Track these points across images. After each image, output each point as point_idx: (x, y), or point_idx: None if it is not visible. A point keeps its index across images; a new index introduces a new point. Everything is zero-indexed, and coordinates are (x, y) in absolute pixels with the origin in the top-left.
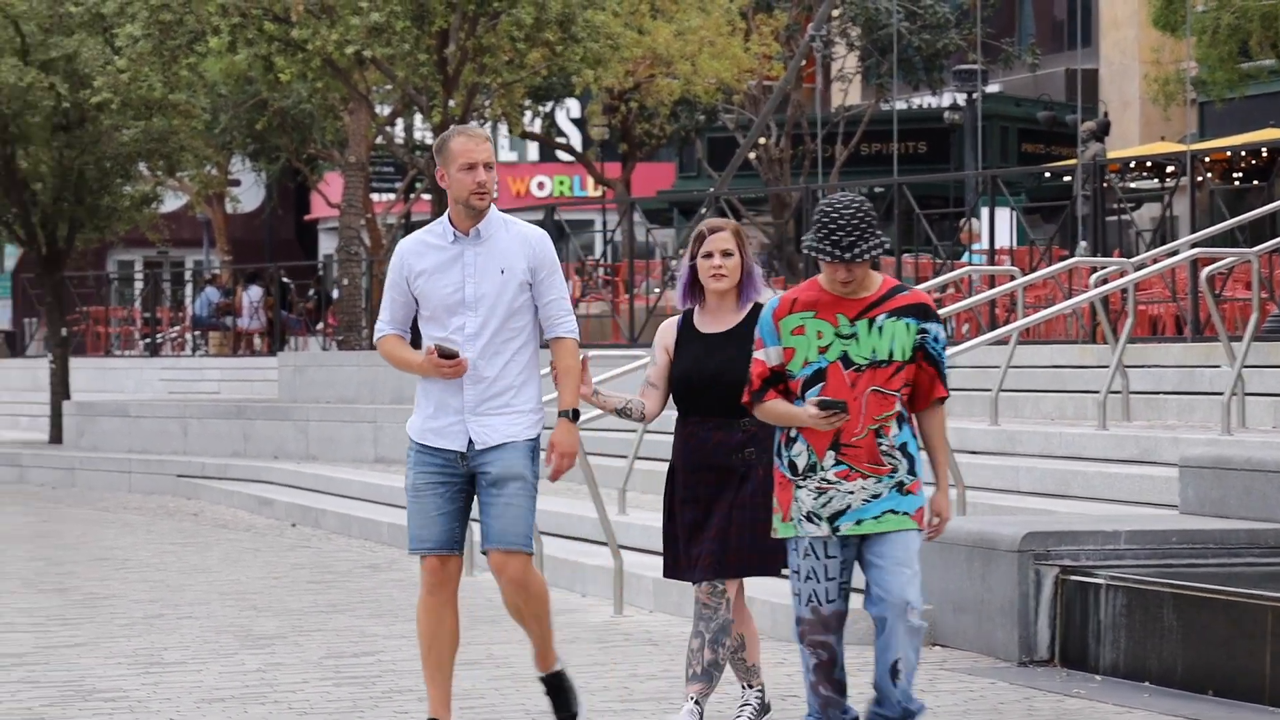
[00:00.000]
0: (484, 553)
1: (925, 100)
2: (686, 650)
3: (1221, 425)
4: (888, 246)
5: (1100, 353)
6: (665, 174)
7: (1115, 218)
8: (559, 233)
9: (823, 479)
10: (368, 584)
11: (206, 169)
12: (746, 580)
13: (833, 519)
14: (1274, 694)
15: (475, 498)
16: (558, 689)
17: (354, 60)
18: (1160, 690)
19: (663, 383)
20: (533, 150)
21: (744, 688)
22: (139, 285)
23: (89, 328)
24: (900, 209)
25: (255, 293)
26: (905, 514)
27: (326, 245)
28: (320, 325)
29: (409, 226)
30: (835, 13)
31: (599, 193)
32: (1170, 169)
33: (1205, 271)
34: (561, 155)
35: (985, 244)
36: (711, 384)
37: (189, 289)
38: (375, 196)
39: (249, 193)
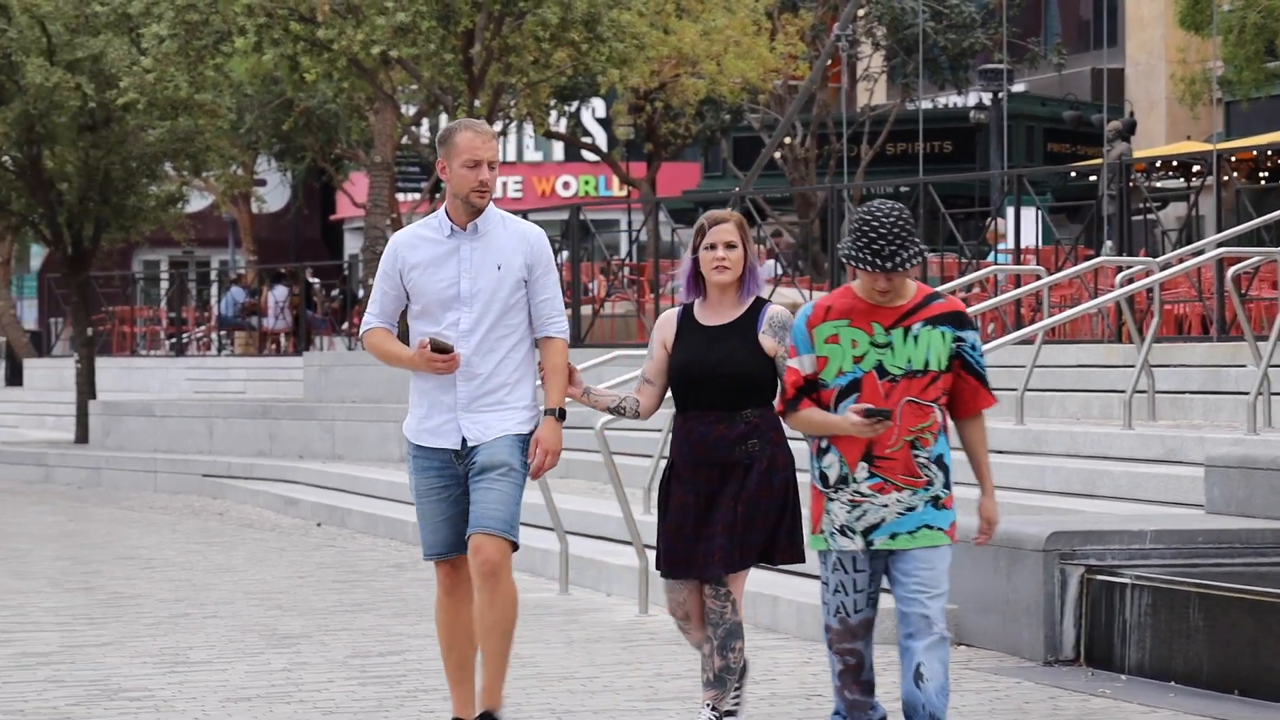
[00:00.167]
0: (465, 540)
1: (951, 100)
2: (700, 656)
3: (1247, 425)
4: (926, 254)
5: (1126, 352)
6: (690, 174)
7: (1141, 217)
8: (584, 232)
9: (855, 491)
10: (393, 583)
11: (232, 169)
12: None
13: (867, 532)
14: None
15: None
16: None
17: (379, 60)
18: (1186, 690)
19: (659, 378)
20: (558, 150)
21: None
22: (164, 285)
23: (115, 327)
24: (926, 208)
25: (281, 292)
26: (940, 529)
27: (352, 245)
28: (345, 325)
29: None
30: (861, 12)
31: (624, 192)
32: (1196, 168)
33: (1231, 271)
34: (587, 155)
35: (1011, 243)
36: (712, 376)
37: (214, 289)
38: (401, 196)
39: (274, 192)
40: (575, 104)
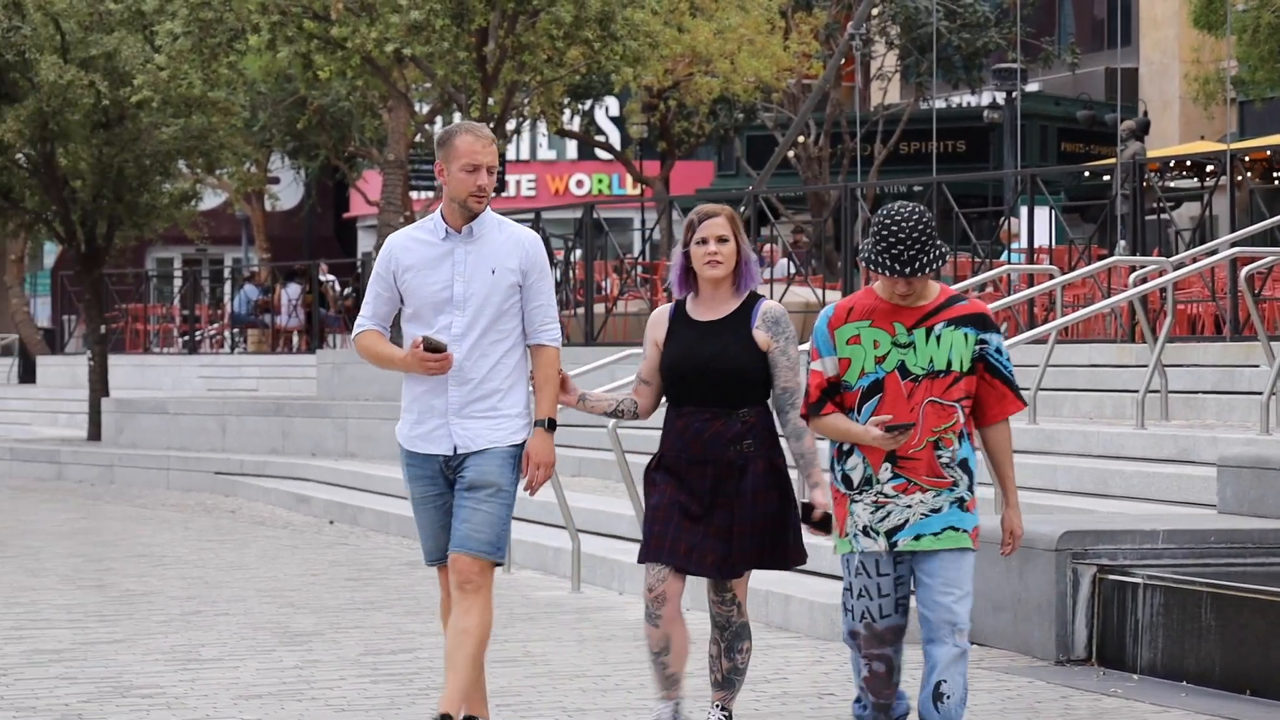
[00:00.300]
0: (447, 556)
1: (964, 99)
2: (706, 656)
3: (1260, 425)
4: (948, 257)
5: (1139, 352)
6: (704, 172)
7: (1154, 217)
8: (597, 230)
9: (880, 492)
10: (405, 581)
11: (246, 167)
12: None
13: (890, 534)
14: None
15: None
16: None
17: (393, 58)
18: (1198, 690)
19: (655, 377)
20: (571, 148)
21: (662, 699)
22: (178, 283)
23: (128, 325)
24: (939, 208)
25: (294, 290)
26: (964, 531)
27: (365, 243)
28: None
29: None
30: (875, 11)
31: (637, 191)
32: (1210, 168)
33: (1244, 271)
34: (600, 153)
35: (1024, 243)
36: (704, 371)
37: (228, 286)
38: (414, 194)
39: (288, 190)
40: (589, 102)
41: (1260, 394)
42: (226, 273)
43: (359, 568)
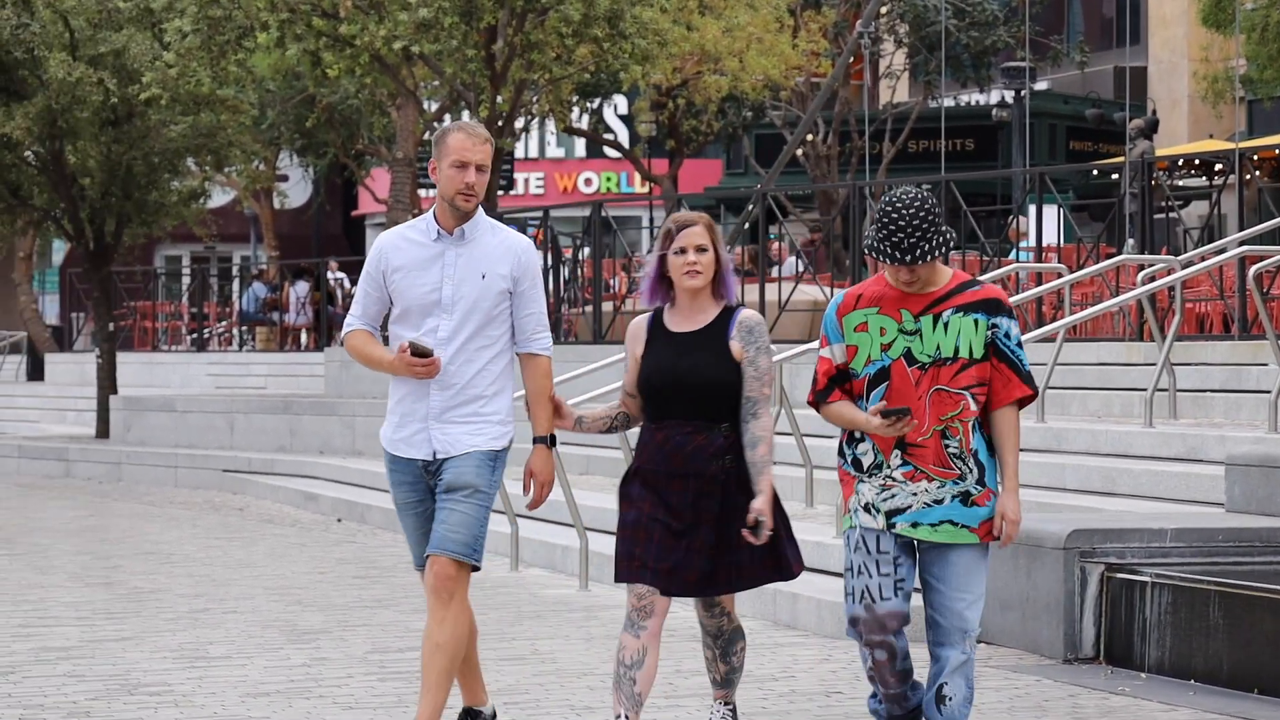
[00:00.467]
0: (425, 559)
1: (973, 97)
2: (703, 659)
3: (1268, 423)
4: (954, 242)
5: (1147, 350)
6: (712, 170)
7: (1163, 215)
8: (606, 229)
9: (888, 476)
10: (412, 579)
11: (254, 164)
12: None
13: (890, 515)
14: None
15: None
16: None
17: (402, 56)
18: (1206, 688)
19: (638, 389)
20: (580, 146)
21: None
22: (186, 280)
23: (136, 323)
24: (947, 206)
25: (302, 288)
26: (965, 527)
27: (374, 241)
28: None
29: None
30: (884, 9)
31: (646, 189)
32: (1218, 167)
33: (1253, 269)
34: (609, 151)
35: (1032, 241)
36: (679, 386)
37: (236, 284)
38: (423, 192)
39: (296, 188)
40: (597, 100)
41: (1268, 392)
42: (235, 270)
43: (367, 565)
